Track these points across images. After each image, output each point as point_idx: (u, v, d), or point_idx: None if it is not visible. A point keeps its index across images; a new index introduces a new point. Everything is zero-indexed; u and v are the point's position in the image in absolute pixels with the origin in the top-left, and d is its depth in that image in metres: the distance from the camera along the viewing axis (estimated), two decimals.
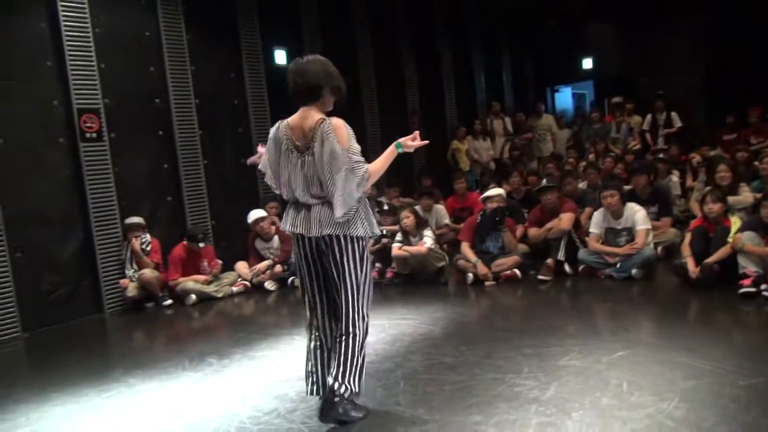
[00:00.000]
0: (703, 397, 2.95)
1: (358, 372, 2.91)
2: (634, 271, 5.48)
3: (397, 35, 10.00)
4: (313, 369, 3.05)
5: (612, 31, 12.14)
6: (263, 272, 6.57)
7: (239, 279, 6.59)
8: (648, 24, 11.05)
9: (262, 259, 6.72)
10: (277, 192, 3.09)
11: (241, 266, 6.71)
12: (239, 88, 7.54)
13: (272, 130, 3.05)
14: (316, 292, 3.05)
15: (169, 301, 6.18)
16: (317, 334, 3.06)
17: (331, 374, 2.89)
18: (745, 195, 6.07)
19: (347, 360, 2.88)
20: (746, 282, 4.61)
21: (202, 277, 6.30)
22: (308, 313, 3.08)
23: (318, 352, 3.05)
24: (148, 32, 6.62)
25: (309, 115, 2.97)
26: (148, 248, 6.23)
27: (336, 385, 2.85)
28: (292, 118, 3.02)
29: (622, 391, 3.07)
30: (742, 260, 4.77)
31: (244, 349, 4.40)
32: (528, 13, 12.15)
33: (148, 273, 6.07)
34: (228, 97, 7.46)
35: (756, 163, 6.93)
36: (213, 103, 7.21)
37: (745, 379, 3.10)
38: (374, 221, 3.02)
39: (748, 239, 4.78)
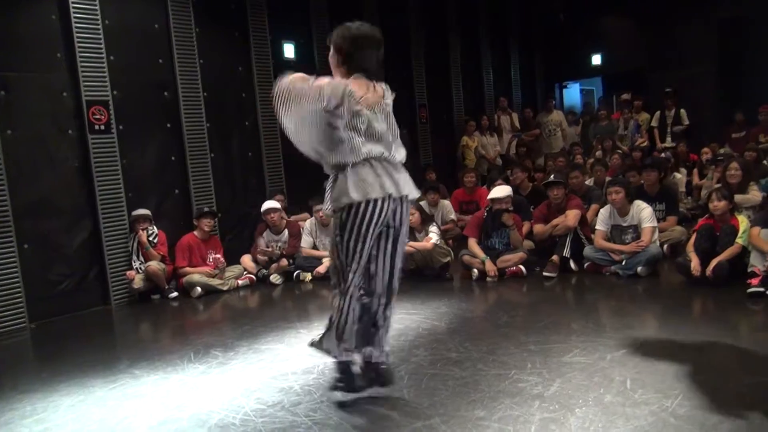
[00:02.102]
0: (707, 394, 2.94)
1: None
2: (639, 269, 5.47)
3: (406, 30, 9.97)
4: (350, 340, 3.01)
5: (622, 27, 12.05)
6: (267, 260, 6.58)
7: (245, 272, 6.62)
8: (659, 19, 10.95)
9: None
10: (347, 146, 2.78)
11: (247, 260, 6.75)
12: (247, 81, 7.55)
13: (339, 86, 2.77)
14: (366, 261, 2.92)
15: (175, 294, 6.22)
16: (361, 300, 2.99)
17: (380, 343, 3.06)
18: (753, 193, 6.03)
19: (389, 328, 3.09)
20: (754, 281, 4.59)
21: (206, 269, 6.32)
22: (349, 285, 2.90)
23: (359, 324, 3.01)
24: (157, 24, 6.64)
25: (369, 83, 2.87)
26: (155, 240, 6.26)
27: (387, 351, 3.10)
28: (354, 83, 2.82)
29: (626, 388, 3.07)
30: (753, 259, 4.77)
31: (249, 342, 4.42)
32: (537, 8, 12.09)
33: (155, 265, 6.10)
34: (236, 90, 7.47)
35: (765, 162, 6.89)
36: (221, 96, 7.23)
37: (750, 377, 3.09)
38: None
39: (765, 236, 4.77)
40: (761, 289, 4.51)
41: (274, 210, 6.70)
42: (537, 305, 5.15)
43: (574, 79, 13.98)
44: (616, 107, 11.51)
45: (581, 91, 14.64)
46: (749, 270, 4.75)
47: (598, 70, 12.93)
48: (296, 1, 8.16)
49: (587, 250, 5.86)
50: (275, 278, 6.54)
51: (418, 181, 8.78)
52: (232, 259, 6.71)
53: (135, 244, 6.21)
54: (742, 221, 5.16)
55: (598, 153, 9.24)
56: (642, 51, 11.47)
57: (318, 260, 6.60)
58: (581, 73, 13.40)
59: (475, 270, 5.95)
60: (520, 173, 7.56)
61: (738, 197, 5.76)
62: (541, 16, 12.30)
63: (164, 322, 5.72)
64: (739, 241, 5.04)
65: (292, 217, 7.14)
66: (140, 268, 6.16)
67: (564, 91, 14.02)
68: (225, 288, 6.33)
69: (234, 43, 7.43)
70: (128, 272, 6.12)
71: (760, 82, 9.50)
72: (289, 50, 8.22)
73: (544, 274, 5.78)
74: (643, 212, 5.66)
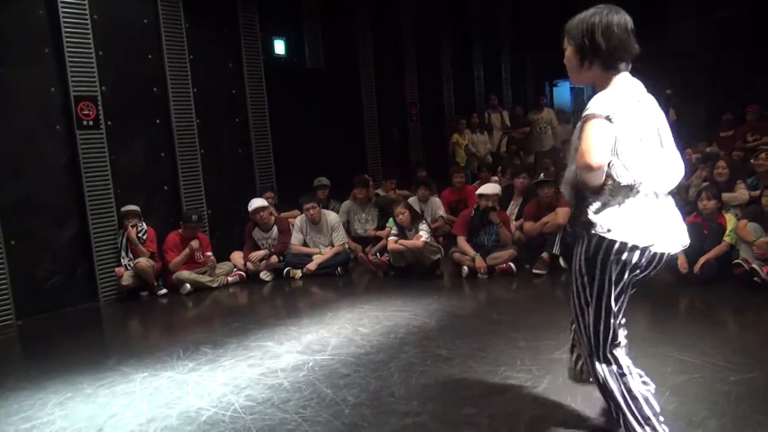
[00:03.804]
0: (694, 391, 2.97)
1: None
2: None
3: (397, 27, 9.97)
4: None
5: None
6: (259, 261, 6.57)
7: (234, 269, 6.60)
8: (649, 19, 11.00)
9: (259, 249, 6.72)
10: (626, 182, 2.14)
11: (237, 256, 6.72)
12: (238, 77, 7.51)
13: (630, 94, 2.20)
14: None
15: (164, 290, 6.19)
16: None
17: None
18: (741, 192, 6.08)
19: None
20: (740, 271, 4.76)
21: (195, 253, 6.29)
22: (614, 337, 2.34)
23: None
24: (146, 20, 6.58)
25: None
26: (144, 237, 6.22)
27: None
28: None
29: None
30: (743, 251, 4.88)
31: (239, 339, 4.41)
32: (528, 7, 12.12)
33: (144, 262, 6.06)
34: (226, 86, 7.43)
35: (752, 160, 6.95)
36: (211, 93, 7.19)
37: (736, 374, 3.12)
38: None
39: (753, 229, 4.88)
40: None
41: (262, 209, 6.68)
42: (527, 302, 5.18)
43: (563, 78, 14.04)
44: None
45: (571, 89, 14.71)
46: (735, 261, 4.88)
47: None
48: None
49: None
50: (265, 275, 6.52)
51: (410, 178, 8.90)
52: (222, 255, 6.69)
53: (124, 241, 6.17)
54: (730, 219, 5.22)
55: None
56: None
57: (308, 257, 6.59)
58: None
59: (465, 267, 5.96)
60: (498, 176, 7.59)
61: (725, 195, 5.81)
62: (532, 14, 12.32)
63: (153, 319, 5.69)
64: (727, 239, 5.11)
65: (282, 214, 7.11)
66: (129, 265, 6.12)
67: (554, 89, 14.08)
68: (215, 285, 6.31)
69: (224, 39, 7.39)
70: (117, 269, 6.08)
71: (748, 81, 9.59)
72: (279, 47, 8.19)
73: (534, 271, 5.81)
74: None
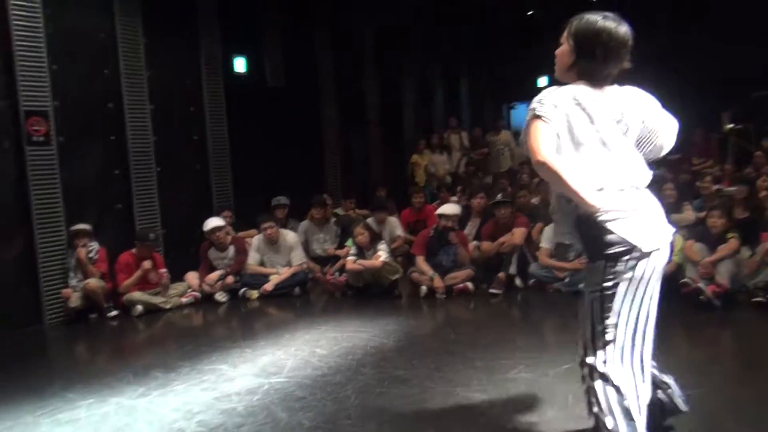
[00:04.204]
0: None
1: None
2: (581, 286, 5.60)
3: (358, 48, 10.06)
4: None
5: None
6: (215, 283, 6.44)
7: (189, 290, 6.44)
8: None
9: (214, 269, 6.59)
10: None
11: (192, 277, 6.56)
12: (197, 94, 7.43)
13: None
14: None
15: (115, 312, 5.98)
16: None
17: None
18: (688, 213, 6.31)
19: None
20: (687, 290, 4.93)
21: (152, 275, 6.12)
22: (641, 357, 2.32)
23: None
24: (103, 34, 6.45)
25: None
26: (95, 257, 6.02)
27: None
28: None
29: (568, 403, 3.13)
30: (689, 271, 5.06)
31: (192, 362, 4.29)
32: (486, 32, 12.41)
33: (94, 282, 5.86)
34: (185, 103, 7.33)
35: (698, 183, 7.23)
36: (169, 109, 7.07)
37: (686, 390, 3.20)
38: None
39: (699, 249, 5.07)
40: (716, 302, 4.86)
41: (219, 228, 6.57)
42: (483, 322, 5.22)
43: (521, 101, 14.41)
44: None
45: None
46: (682, 281, 5.05)
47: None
48: (248, 14, 8.12)
49: (532, 268, 5.99)
50: (220, 296, 6.39)
51: (369, 198, 8.92)
52: (176, 276, 6.52)
53: (74, 261, 5.96)
54: (677, 240, 5.40)
55: None
56: None
57: (265, 277, 6.49)
58: (528, 95, 13.79)
59: (424, 287, 5.98)
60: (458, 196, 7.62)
61: (674, 216, 6.01)
62: (490, 39, 12.62)
63: (102, 342, 5.49)
64: (675, 258, 5.27)
65: (239, 234, 7.01)
66: (77, 286, 5.90)
67: (512, 111, 14.42)
68: (168, 306, 6.14)
69: (184, 56, 7.31)
70: (64, 290, 5.85)
71: (694, 106, 9.98)
72: (240, 64, 8.16)
73: (491, 291, 5.87)
74: None
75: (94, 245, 6.06)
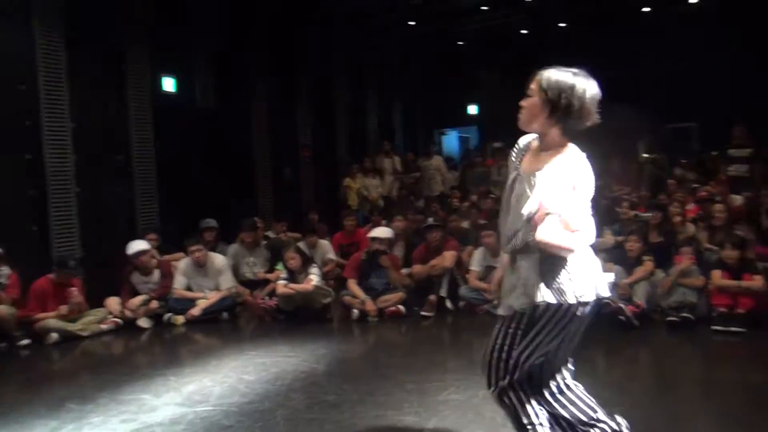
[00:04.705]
0: None
1: None
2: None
3: (293, 71, 10.06)
4: None
5: (497, 80, 12.94)
6: (138, 308, 6.15)
7: (109, 316, 6.11)
8: (530, 73, 11.92)
9: (137, 294, 6.30)
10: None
11: (112, 302, 6.22)
12: (122, 113, 7.18)
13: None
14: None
15: (27, 341, 5.58)
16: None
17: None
18: (607, 237, 6.62)
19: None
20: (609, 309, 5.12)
21: (64, 308, 5.74)
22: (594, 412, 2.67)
23: None
24: (20, 46, 6.14)
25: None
26: (6, 282, 5.63)
27: None
28: None
29: (497, 423, 3.17)
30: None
31: (111, 393, 4.06)
32: (420, 60, 12.73)
33: (4, 309, 5.46)
34: (109, 122, 7.06)
35: (617, 209, 7.62)
36: (92, 128, 6.78)
37: (606, 407, 3.31)
38: None
39: (617, 272, 5.33)
40: (635, 322, 5.09)
41: (143, 252, 6.30)
42: (415, 345, 5.24)
43: (452, 127, 14.80)
44: (490, 154, 12.24)
45: (459, 138, 15.50)
46: (605, 301, 5.29)
47: (474, 119, 13.86)
48: (179, 34, 7.96)
49: (463, 290, 6.09)
50: (144, 321, 6.11)
51: (301, 221, 8.86)
52: (96, 301, 6.18)
53: None
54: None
55: (474, 197, 9.74)
56: (513, 103, 12.36)
57: (191, 302, 6.27)
58: (458, 122, 14.26)
59: (355, 310, 5.96)
60: (400, 222, 7.51)
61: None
62: (424, 67, 12.93)
63: (11, 373, 5.09)
64: None
65: (165, 257, 6.75)
66: None
67: (443, 137, 14.78)
68: (85, 334, 5.78)
69: (110, 73, 7.07)
70: None
71: (610, 134, 10.57)
72: (169, 84, 7.97)
73: (422, 313, 5.92)
74: None
75: (5, 270, 5.68)
